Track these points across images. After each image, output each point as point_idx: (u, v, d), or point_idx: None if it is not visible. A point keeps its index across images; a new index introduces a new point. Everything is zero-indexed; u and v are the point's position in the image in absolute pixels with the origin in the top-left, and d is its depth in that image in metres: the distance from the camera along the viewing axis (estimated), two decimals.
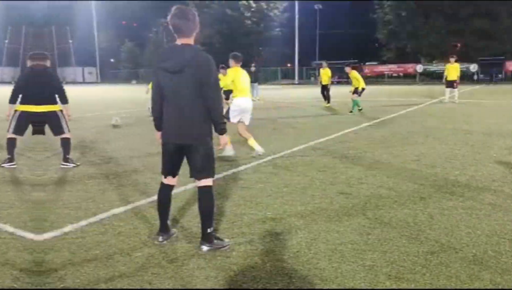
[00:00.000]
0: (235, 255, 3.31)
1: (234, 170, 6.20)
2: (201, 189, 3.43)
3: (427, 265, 3.07)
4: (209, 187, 3.43)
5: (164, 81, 3.32)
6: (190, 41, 3.34)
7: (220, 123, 3.37)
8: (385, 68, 48.55)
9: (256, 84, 21.58)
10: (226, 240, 3.53)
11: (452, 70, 17.08)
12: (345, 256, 3.26)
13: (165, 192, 3.60)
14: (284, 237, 3.67)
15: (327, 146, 8.09)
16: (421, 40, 47.33)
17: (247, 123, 7.13)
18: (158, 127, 3.51)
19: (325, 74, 17.36)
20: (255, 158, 6.85)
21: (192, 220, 4.05)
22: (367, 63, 51.29)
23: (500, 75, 41.44)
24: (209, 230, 3.39)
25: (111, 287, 2.85)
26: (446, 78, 17.30)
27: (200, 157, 3.35)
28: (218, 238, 3.49)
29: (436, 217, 4.02)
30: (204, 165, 3.38)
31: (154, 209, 3.84)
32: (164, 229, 3.60)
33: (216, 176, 5.23)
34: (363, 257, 3.24)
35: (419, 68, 44.45)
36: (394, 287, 2.79)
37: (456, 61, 17.46)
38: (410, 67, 45.49)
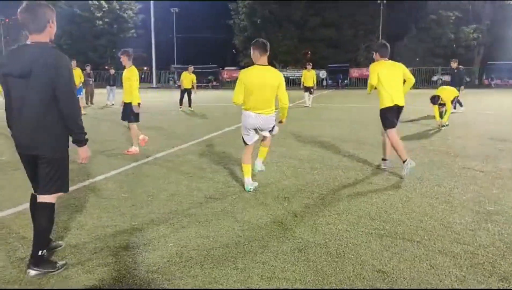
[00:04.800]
0: (97, 272, 2.99)
1: (92, 180, 5.68)
2: (40, 204, 3.03)
3: (296, 262, 3.20)
4: (49, 204, 3.04)
5: (12, 87, 2.90)
6: (42, 38, 2.92)
7: (76, 132, 2.98)
8: None
9: (114, 88, 20.38)
10: (60, 262, 3.12)
11: (309, 76, 18.56)
12: (217, 261, 3.21)
13: (33, 202, 3.15)
14: (153, 247, 3.45)
15: (192, 151, 7.99)
16: (275, 47, 50.67)
17: (267, 135, 5.30)
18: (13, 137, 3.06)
19: (189, 78, 17.08)
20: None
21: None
22: (225, 68, 52.76)
23: (346, 81, 46.59)
24: (40, 253, 2.99)
25: None
26: (303, 84, 18.70)
27: (43, 169, 2.96)
28: (50, 261, 3.10)
29: (300, 215, 4.24)
30: (46, 179, 2.98)
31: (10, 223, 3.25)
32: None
33: (72, 187, 4.73)
34: (235, 260, 3.23)
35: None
36: (266, 286, 2.82)
37: (312, 68, 18.99)
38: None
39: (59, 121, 2.92)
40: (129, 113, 7.65)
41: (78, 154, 3.07)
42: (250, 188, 5.09)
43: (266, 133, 5.23)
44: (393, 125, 5.90)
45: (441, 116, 10.69)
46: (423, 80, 40.86)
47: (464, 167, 6.31)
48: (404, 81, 6.12)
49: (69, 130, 2.98)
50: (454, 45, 45.84)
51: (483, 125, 11.50)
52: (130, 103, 7.60)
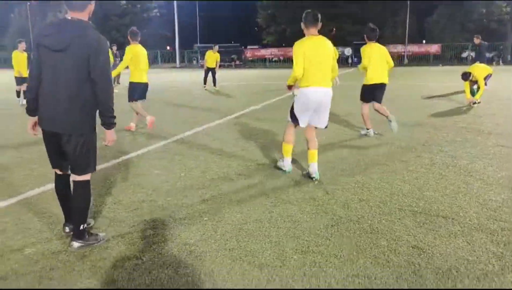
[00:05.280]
0: (137, 244, 3.10)
1: (124, 157, 5.81)
2: (76, 183, 3.10)
3: (329, 237, 3.22)
4: (85, 182, 3.11)
5: (45, 60, 2.89)
6: (83, 16, 2.94)
7: (106, 115, 2.98)
8: (266, 52, 50.08)
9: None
10: (101, 234, 3.25)
11: None
12: (252, 235, 3.27)
13: (59, 182, 3.24)
14: (188, 222, 3.54)
15: (220, 129, 8.05)
16: (299, 24, 49.74)
17: (321, 126, 4.79)
18: (31, 111, 3.04)
19: (213, 57, 17.04)
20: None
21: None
22: (248, 47, 52.34)
23: None
24: (82, 227, 3.09)
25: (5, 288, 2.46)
26: None
27: (74, 149, 2.96)
28: (91, 234, 3.20)
29: (331, 193, 4.25)
30: (79, 158, 3.00)
31: (42, 201, 3.40)
32: (69, 220, 3.27)
33: (107, 164, 4.86)
34: (269, 234, 3.28)
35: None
36: (302, 260, 2.87)
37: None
38: (289, 51, 47.57)
39: (91, 101, 2.94)
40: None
41: (105, 136, 3.08)
42: (291, 169, 4.88)
43: (322, 122, 4.69)
44: (369, 101, 7.00)
45: (472, 93, 10.39)
46: (452, 57, 39.62)
47: (498, 144, 6.16)
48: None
49: (100, 113, 2.99)
50: (485, 20, 44.09)
51: None
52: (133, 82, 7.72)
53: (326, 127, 4.82)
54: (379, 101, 6.98)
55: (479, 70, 10.38)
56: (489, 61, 13.00)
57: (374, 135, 7.00)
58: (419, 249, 3.00)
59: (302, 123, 4.69)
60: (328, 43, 4.61)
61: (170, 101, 12.83)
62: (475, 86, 10.41)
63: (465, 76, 10.26)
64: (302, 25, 4.65)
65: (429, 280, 2.60)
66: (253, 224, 3.48)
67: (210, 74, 17.00)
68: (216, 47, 17.25)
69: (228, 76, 23.83)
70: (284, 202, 4.00)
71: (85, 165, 3.06)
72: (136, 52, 7.55)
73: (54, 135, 2.98)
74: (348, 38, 47.20)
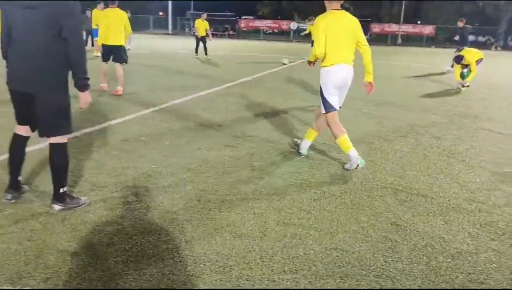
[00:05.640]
0: (118, 209, 3.10)
1: (110, 122, 5.76)
2: (52, 146, 3.04)
3: (311, 210, 3.27)
4: (60, 145, 3.04)
5: (13, 18, 2.82)
6: None
7: (79, 76, 2.90)
8: (260, 24, 49.30)
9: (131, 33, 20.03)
10: (83, 198, 3.23)
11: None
12: (235, 206, 3.29)
13: (17, 144, 3.15)
14: (172, 190, 3.55)
15: (209, 99, 7.99)
16: None
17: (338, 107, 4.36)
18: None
19: (202, 25, 16.79)
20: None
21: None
22: (243, 17, 51.45)
23: (366, 36, 45.29)
24: (61, 190, 3.06)
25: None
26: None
27: (43, 108, 2.88)
28: (72, 197, 3.19)
29: (316, 167, 4.28)
30: (52, 119, 2.93)
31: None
32: (14, 186, 3.18)
33: (91, 128, 4.79)
34: (253, 205, 3.31)
35: (293, 25, 46.22)
36: (283, 232, 2.91)
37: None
38: (284, 24, 46.99)
39: (62, 60, 2.85)
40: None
41: (79, 98, 2.99)
42: (363, 163, 4.20)
43: (340, 103, 4.33)
44: None
45: (462, 76, 10.43)
46: (445, 39, 39.48)
47: (483, 128, 6.23)
48: None
49: (73, 74, 2.91)
50: (481, 4, 43.83)
51: (506, 88, 11.22)
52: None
53: (340, 107, 4.40)
54: None
55: (471, 54, 10.39)
56: (464, 44, 13.03)
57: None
58: (397, 226, 3.06)
59: (336, 105, 4.23)
60: (351, 18, 4.23)
61: (160, 68, 12.65)
62: (465, 70, 10.44)
63: (458, 59, 10.29)
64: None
65: (404, 255, 2.67)
66: (237, 195, 3.50)
67: (201, 43, 16.79)
68: (205, 15, 17.04)
69: (221, 46, 23.47)
70: (270, 175, 4.02)
71: (55, 126, 2.97)
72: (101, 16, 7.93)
73: (23, 94, 2.90)
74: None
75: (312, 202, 3.42)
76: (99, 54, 8.37)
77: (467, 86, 10.45)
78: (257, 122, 6.14)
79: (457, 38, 15.28)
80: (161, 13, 56.77)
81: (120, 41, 7.90)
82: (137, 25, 50.67)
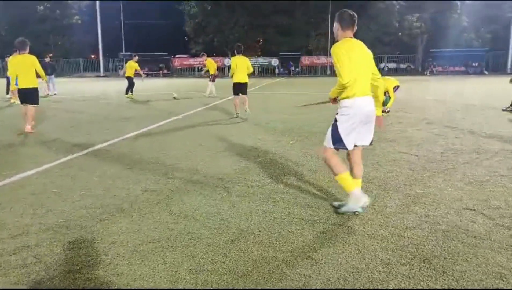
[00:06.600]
0: (15, 273, 2.81)
1: (22, 175, 5.36)
2: None
3: (227, 253, 3.15)
4: None
5: None
6: None
7: None
8: (194, 61, 49.74)
9: (52, 77, 19.39)
10: None
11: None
12: (145, 256, 3.11)
13: None
14: (78, 245, 3.29)
15: (132, 141, 7.75)
16: (226, 34, 50.15)
17: (368, 142, 4.01)
18: None
19: (133, 66, 17.13)
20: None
21: None
22: (177, 56, 51.69)
23: (297, 69, 47.06)
24: None
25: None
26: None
27: None
28: None
29: (237, 205, 4.20)
30: None
31: None
32: None
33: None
34: (164, 254, 3.14)
35: (227, 61, 47.14)
36: (194, 280, 2.76)
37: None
38: (218, 61, 47.75)
39: None
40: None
41: None
42: (368, 201, 3.91)
43: (369, 138, 3.96)
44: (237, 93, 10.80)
45: (383, 103, 11.01)
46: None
47: (401, 151, 6.53)
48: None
49: None
50: (400, 34, 47.43)
51: (422, 110, 11.99)
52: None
53: (371, 143, 4.05)
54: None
55: (389, 82, 11.04)
56: (400, 72, 14.11)
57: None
58: (312, 260, 3.02)
59: (350, 145, 3.83)
60: (365, 47, 3.96)
61: (82, 111, 12.20)
62: (385, 97, 11.05)
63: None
64: (337, 26, 3.89)
65: None
66: (150, 244, 3.31)
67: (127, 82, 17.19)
68: (136, 58, 17.64)
69: (154, 85, 23.25)
70: (188, 218, 3.88)
71: None
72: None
73: None
74: (274, 49, 48.43)
75: (228, 244, 3.31)
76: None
77: (388, 111, 11.04)
78: (184, 160, 6.00)
79: (381, 65, 16.72)
80: (93, 56, 55.69)
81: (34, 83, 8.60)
82: (67, 69, 49.49)
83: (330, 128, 3.87)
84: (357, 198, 3.83)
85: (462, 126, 8.97)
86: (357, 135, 3.84)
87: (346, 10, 3.91)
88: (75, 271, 2.89)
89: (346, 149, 3.86)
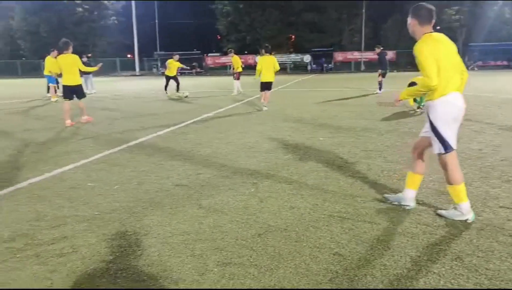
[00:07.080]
0: (52, 262, 2.95)
1: (60, 169, 5.59)
2: None
3: (254, 247, 3.18)
4: None
5: None
6: None
7: None
8: (227, 60, 50.02)
9: (90, 76, 20.02)
10: None
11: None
12: (175, 248, 3.18)
13: None
14: (111, 237, 3.41)
15: (166, 138, 7.92)
16: (259, 32, 50.27)
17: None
18: None
19: (175, 65, 17.29)
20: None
21: None
22: (209, 54, 52.22)
23: (330, 65, 46.54)
24: None
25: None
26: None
27: None
28: None
29: (265, 201, 4.22)
30: None
31: None
32: None
33: (38, 178, 4.69)
34: (193, 247, 3.20)
35: (257, 59, 47.15)
36: (221, 273, 2.81)
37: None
38: (250, 58, 47.88)
39: None
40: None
41: None
42: (473, 217, 3.62)
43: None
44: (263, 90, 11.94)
45: (415, 101, 10.76)
46: (406, 63, 40.91)
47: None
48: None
49: None
50: (438, 27, 45.95)
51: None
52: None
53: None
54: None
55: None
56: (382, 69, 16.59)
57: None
58: (340, 256, 3.01)
59: (455, 143, 3.63)
60: (448, 39, 3.67)
61: (118, 109, 12.56)
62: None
63: (412, 84, 10.63)
64: (412, 21, 3.68)
65: (344, 286, 2.60)
66: (179, 237, 3.39)
67: (172, 81, 17.22)
68: (177, 56, 17.57)
69: (189, 84, 23.61)
70: (217, 212, 3.94)
71: None
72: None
73: None
74: (306, 46, 48.09)
75: (255, 238, 3.34)
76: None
77: (423, 106, 10.76)
78: (213, 157, 6.08)
79: None
80: (129, 55, 57.09)
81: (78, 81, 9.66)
82: (104, 68, 50.96)
83: (433, 135, 3.61)
84: (467, 210, 3.60)
85: (502, 123, 8.62)
86: (453, 133, 3.60)
87: (421, 3, 3.65)
88: (109, 261, 3.00)
89: (452, 148, 3.60)
